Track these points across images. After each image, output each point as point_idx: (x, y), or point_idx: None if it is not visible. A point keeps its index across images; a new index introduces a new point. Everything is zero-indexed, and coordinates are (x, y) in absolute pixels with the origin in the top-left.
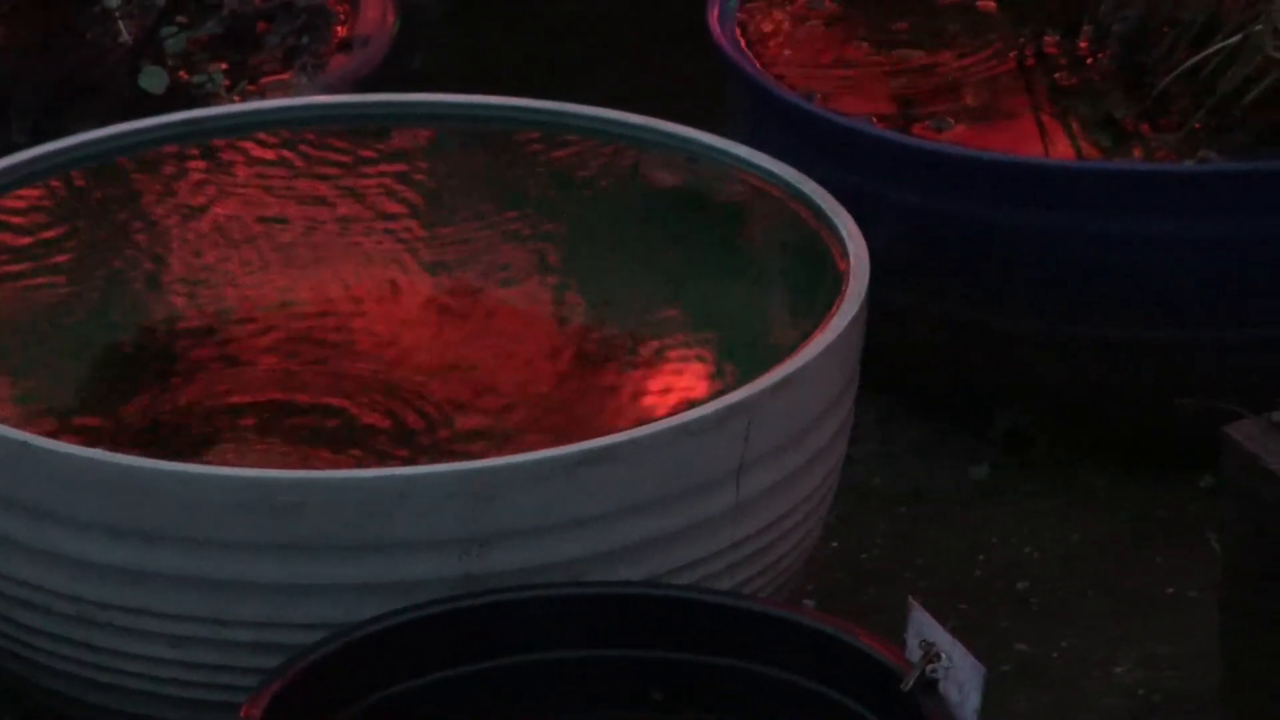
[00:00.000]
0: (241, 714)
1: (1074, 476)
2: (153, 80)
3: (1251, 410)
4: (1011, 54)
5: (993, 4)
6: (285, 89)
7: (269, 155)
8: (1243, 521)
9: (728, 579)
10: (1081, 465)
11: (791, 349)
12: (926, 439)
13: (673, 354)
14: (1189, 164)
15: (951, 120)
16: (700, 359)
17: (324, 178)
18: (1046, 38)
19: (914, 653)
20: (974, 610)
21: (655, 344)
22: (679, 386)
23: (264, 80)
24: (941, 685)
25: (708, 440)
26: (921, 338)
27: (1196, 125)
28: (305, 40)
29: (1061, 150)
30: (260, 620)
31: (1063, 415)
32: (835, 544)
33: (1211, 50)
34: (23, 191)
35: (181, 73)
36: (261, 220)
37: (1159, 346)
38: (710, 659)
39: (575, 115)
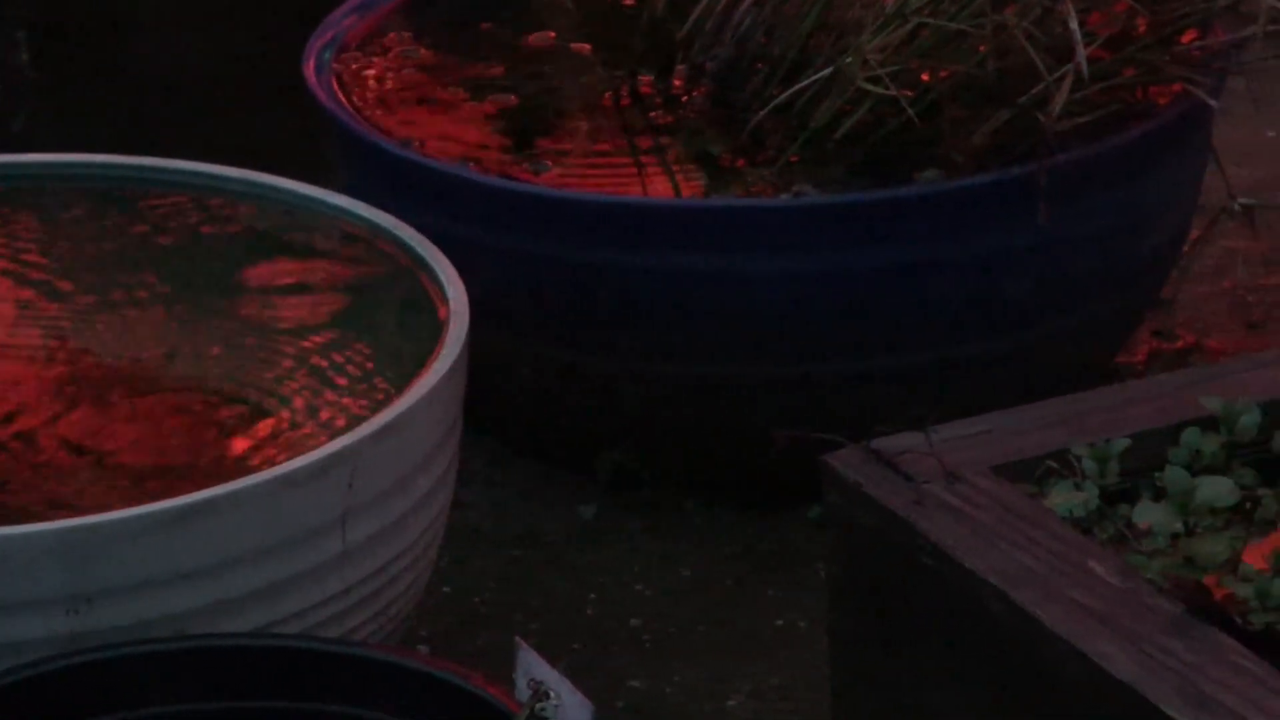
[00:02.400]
0: None
1: (681, 513)
2: None
3: (852, 441)
4: (607, 95)
5: (587, 46)
6: None
7: None
8: (844, 549)
9: (337, 626)
10: (687, 502)
11: (393, 396)
12: (535, 481)
13: (276, 404)
14: (784, 198)
15: (549, 163)
16: (304, 408)
17: None
18: (641, 78)
19: (523, 692)
20: (587, 649)
21: (258, 395)
22: (282, 437)
23: None
24: None
25: (310, 489)
26: (526, 380)
27: (791, 159)
28: None
29: (659, 189)
30: None
31: (666, 453)
32: (447, 589)
33: (803, 84)
34: None
35: None
36: None
37: (759, 382)
38: (320, 707)
39: (173, 170)
